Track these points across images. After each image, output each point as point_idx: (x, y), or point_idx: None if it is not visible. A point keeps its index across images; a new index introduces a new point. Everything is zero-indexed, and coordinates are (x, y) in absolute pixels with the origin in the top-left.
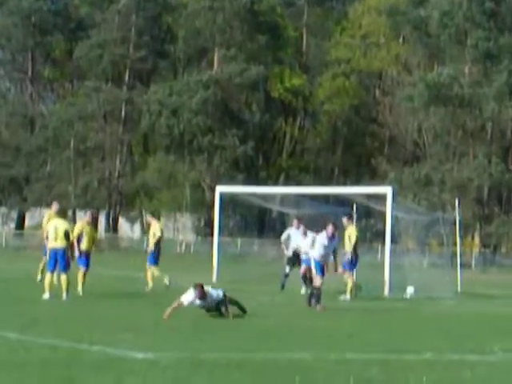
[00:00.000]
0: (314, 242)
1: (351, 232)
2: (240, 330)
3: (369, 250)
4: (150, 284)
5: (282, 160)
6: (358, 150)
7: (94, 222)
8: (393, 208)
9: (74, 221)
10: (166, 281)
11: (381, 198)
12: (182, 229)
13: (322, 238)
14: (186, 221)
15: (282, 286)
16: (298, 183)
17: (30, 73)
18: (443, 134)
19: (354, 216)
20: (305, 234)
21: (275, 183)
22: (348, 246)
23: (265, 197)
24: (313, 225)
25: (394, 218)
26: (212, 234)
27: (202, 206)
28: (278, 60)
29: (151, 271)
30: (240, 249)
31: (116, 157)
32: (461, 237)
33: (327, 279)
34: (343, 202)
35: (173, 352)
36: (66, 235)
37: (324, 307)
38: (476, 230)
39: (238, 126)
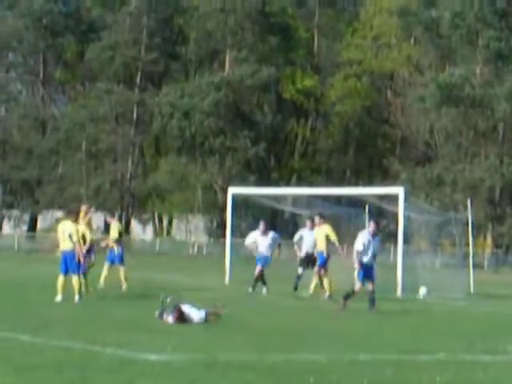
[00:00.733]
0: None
1: (328, 231)
2: (254, 330)
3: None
4: (124, 285)
5: (293, 161)
6: (369, 150)
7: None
8: (405, 208)
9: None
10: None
11: (393, 199)
12: (194, 230)
13: (364, 236)
14: (198, 222)
15: (295, 288)
16: (310, 184)
17: (41, 75)
18: (455, 134)
19: (367, 217)
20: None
21: (287, 184)
22: (322, 245)
23: (277, 198)
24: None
25: (407, 219)
26: (224, 236)
27: (214, 207)
28: (290, 61)
29: (122, 271)
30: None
31: (128, 159)
32: (473, 237)
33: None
34: (355, 202)
35: (186, 353)
36: (71, 237)
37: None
38: (488, 230)
39: (249, 127)
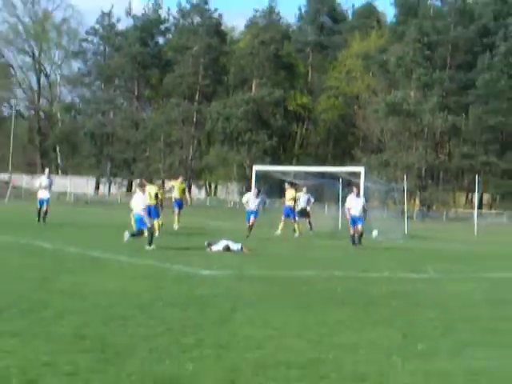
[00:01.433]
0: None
1: (292, 193)
2: (267, 257)
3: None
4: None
5: (294, 150)
6: (343, 143)
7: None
8: (365, 181)
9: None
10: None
11: (357, 175)
12: (231, 192)
13: (350, 198)
14: (233, 188)
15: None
16: (305, 164)
17: (136, 93)
18: (397, 133)
19: (340, 185)
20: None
21: (290, 164)
22: (289, 202)
23: (283, 172)
24: (314, 191)
25: (365, 187)
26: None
27: (243, 178)
28: (293, 86)
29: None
30: (268, 205)
31: (190, 147)
32: (407, 199)
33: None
34: (333, 176)
35: (225, 270)
36: (156, 196)
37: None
38: (417, 195)
39: (266, 128)
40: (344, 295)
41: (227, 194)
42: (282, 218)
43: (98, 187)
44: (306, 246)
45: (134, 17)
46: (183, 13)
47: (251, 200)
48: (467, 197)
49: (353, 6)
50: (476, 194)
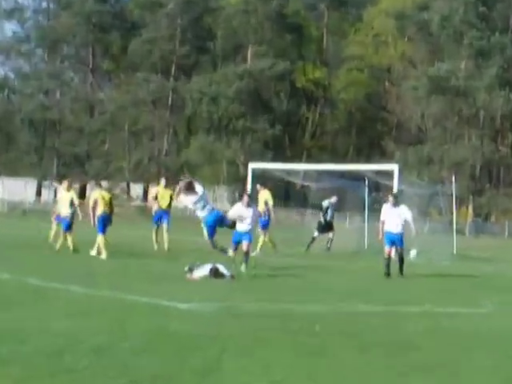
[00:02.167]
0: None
1: (267, 197)
2: (267, 285)
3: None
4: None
5: (304, 141)
6: (369, 132)
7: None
8: (399, 182)
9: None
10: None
11: (389, 174)
12: (219, 199)
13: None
14: (223, 192)
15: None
16: (318, 161)
17: (90, 65)
18: (442, 119)
19: (366, 189)
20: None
21: (299, 160)
22: (261, 209)
23: (289, 172)
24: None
25: (400, 191)
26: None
27: (236, 179)
28: (302, 56)
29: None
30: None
31: (163, 137)
32: (456, 207)
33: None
34: (356, 177)
35: (210, 302)
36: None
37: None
38: (469, 201)
39: (267, 112)
40: (368, 336)
41: (214, 200)
42: (259, 230)
43: (39, 192)
44: (319, 270)
45: None
46: None
47: (243, 213)
48: None
49: None
50: None
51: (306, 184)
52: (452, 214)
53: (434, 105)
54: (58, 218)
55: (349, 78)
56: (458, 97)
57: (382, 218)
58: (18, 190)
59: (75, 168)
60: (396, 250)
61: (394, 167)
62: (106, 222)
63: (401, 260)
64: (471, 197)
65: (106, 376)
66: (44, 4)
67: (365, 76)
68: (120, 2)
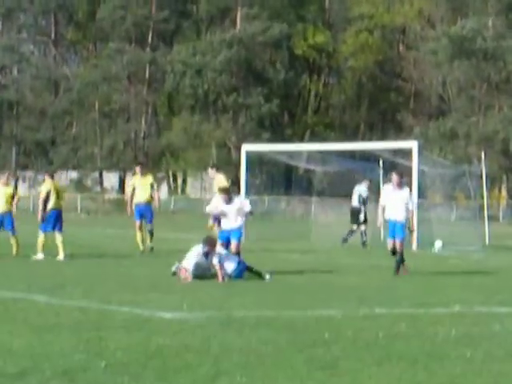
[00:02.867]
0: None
1: (222, 182)
2: (268, 287)
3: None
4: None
5: (307, 117)
6: (383, 105)
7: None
8: (419, 162)
9: (101, 183)
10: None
11: (407, 153)
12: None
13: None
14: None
15: (344, 240)
16: (324, 140)
17: (52, 35)
18: (468, 87)
19: (381, 171)
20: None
21: (301, 140)
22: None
23: (291, 154)
24: (340, 181)
25: (421, 173)
26: (239, 193)
27: (228, 165)
28: (301, 17)
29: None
30: (267, 207)
31: (141, 118)
32: (487, 189)
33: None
34: (369, 157)
35: (201, 311)
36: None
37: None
38: (503, 182)
39: (262, 84)
40: (389, 344)
41: (203, 190)
42: (210, 222)
43: None
44: (329, 268)
45: None
46: None
47: (225, 209)
48: None
49: None
50: None
51: (310, 168)
52: (482, 197)
53: (457, 70)
54: None
55: (357, 41)
56: (485, 60)
57: (381, 201)
58: None
59: (38, 157)
60: (394, 242)
61: (412, 144)
62: (57, 218)
63: (400, 255)
64: (504, 176)
65: None
66: None
67: (375, 39)
68: None
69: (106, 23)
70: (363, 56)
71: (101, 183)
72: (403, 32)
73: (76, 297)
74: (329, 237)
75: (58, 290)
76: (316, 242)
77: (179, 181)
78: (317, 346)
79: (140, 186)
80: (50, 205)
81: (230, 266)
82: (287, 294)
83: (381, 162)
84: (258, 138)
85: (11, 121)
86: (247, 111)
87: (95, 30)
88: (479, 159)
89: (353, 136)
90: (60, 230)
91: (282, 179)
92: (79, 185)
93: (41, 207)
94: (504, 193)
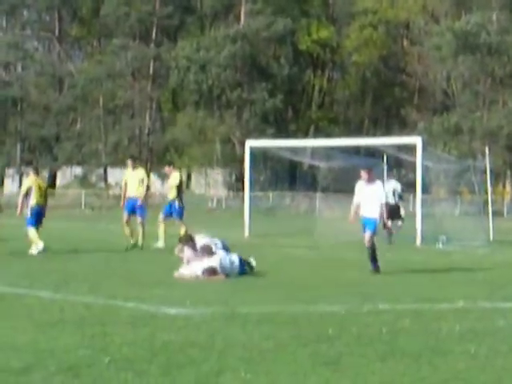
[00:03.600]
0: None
1: (177, 179)
2: (271, 283)
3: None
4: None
5: (311, 112)
6: (387, 100)
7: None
8: (423, 158)
9: (105, 179)
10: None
11: (411, 148)
12: (213, 184)
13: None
14: (216, 176)
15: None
16: (328, 135)
17: (57, 32)
18: (472, 82)
19: (385, 167)
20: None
21: (305, 136)
22: (173, 195)
23: (295, 150)
24: (344, 177)
25: (425, 168)
26: (243, 189)
27: (232, 160)
28: (305, 12)
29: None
30: (272, 203)
31: (145, 114)
32: (492, 184)
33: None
34: (373, 153)
35: (205, 307)
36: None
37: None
38: (507, 177)
39: (266, 79)
40: (393, 340)
41: (207, 186)
42: (160, 217)
43: (1, 182)
44: (333, 263)
45: None
46: None
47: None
48: None
49: None
50: None
51: (314, 164)
52: (487, 192)
53: (461, 65)
54: None
55: (361, 36)
56: (489, 55)
57: (355, 199)
58: None
59: (43, 153)
60: (364, 236)
61: (416, 140)
62: (39, 214)
63: (372, 249)
64: (509, 171)
65: None
66: None
67: (380, 34)
68: None
69: (110, 19)
70: (367, 51)
71: (105, 179)
72: (407, 27)
73: (80, 292)
74: (333, 233)
75: (62, 285)
76: (320, 238)
77: (183, 176)
78: (320, 341)
79: (131, 180)
80: (33, 201)
81: (234, 264)
82: (291, 289)
83: (385, 158)
84: (262, 134)
85: (16, 117)
86: (251, 107)
87: (99, 26)
88: (483, 154)
89: (357, 131)
90: (38, 226)
91: (287, 175)
92: (84, 181)
93: (20, 201)
94: (508, 188)
